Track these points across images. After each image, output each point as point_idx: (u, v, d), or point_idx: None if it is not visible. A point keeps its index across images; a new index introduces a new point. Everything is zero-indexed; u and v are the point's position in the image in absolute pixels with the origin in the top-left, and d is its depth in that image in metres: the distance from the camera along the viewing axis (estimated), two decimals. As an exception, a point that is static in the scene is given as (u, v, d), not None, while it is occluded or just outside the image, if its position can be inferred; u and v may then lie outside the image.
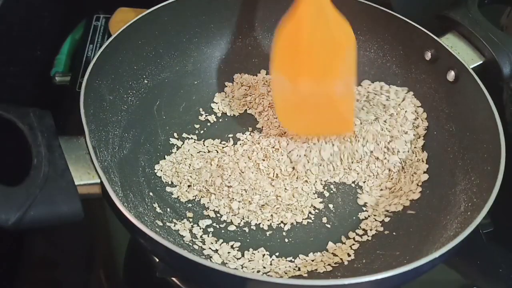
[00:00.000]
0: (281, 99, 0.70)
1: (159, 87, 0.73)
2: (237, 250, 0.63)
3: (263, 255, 0.63)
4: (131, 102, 0.69)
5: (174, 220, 0.64)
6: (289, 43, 0.68)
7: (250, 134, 0.74)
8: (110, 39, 0.66)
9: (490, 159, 0.61)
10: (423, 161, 0.70)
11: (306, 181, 0.69)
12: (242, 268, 0.61)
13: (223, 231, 0.65)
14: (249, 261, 0.62)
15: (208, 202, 0.67)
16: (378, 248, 0.63)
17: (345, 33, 0.68)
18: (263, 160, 0.70)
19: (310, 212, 0.67)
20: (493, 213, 0.56)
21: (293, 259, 0.63)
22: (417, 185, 0.68)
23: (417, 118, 0.73)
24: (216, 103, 0.77)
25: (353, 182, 0.70)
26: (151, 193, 0.66)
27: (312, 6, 0.67)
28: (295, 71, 0.68)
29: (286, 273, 0.61)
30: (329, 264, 0.62)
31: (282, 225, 0.66)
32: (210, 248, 0.62)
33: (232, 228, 0.65)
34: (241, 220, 0.66)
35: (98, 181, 0.54)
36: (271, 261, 0.62)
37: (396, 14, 0.74)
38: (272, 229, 0.66)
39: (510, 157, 0.60)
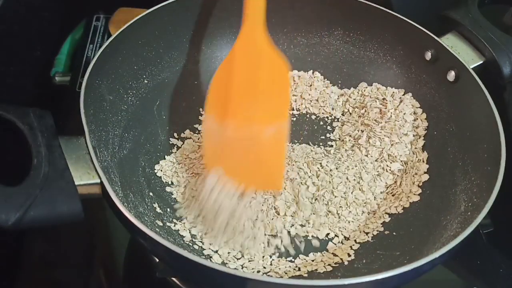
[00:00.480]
0: (210, 141, 0.66)
1: (159, 87, 0.73)
2: (237, 250, 0.63)
3: (263, 255, 0.63)
4: (131, 102, 0.69)
5: (174, 220, 0.64)
6: (222, 84, 0.66)
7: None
8: (110, 39, 0.66)
9: (491, 159, 0.61)
10: (423, 161, 0.70)
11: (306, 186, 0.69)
12: (242, 268, 0.61)
13: (223, 231, 0.65)
14: (249, 261, 0.62)
15: (208, 202, 0.67)
16: (378, 248, 0.63)
17: (280, 76, 0.66)
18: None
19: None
20: (493, 213, 0.56)
21: (293, 259, 0.63)
22: (418, 186, 0.68)
23: (417, 119, 0.73)
24: (216, 103, 0.77)
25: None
26: (151, 193, 0.66)
27: (248, 47, 0.66)
28: (226, 113, 0.64)
29: (286, 273, 0.61)
30: (329, 264, 0.62)
31: (282, 225, 0.66)
32: (210, 248, 0.62)
33: (232, 228, 0.65)
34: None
35: (98, 181, 0.54)
36: (271, 261, 0.62)
37: (397, 14, 0.74)
38: (272, 229, 0.66)
39: (511, 157, 0.60)
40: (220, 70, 0.67)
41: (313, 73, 0.79)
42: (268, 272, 0.61)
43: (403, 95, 0.75)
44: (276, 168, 0.64)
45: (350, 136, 0.73)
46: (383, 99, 0.75)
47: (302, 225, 0.65)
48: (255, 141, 0.64)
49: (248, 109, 0.64)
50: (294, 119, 0.76)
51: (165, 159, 0.70)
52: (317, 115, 0.77)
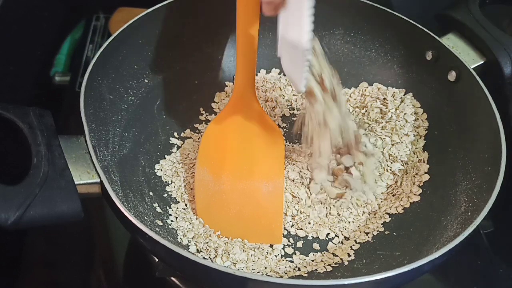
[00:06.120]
0: (203, 193, 0.65)
1: (160, 86, 0.73)
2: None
3: (264, 255, 0.63)
4: (131, 102, 0.69)
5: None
6: (215, 140, 0.67)
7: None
8: (110, 38, 0.66)
9: (491, 159, 0.61)
10: (424, 162, 0.70)
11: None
12: (242, 268, 0.61)
13: (223, 231, 0.65)
14: (251, 261, 0.62)
15: (208, 202, 0.67)
16: (379, 248, 0.63)
17: (274, 138, 0.68)
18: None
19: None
20: (493, 213, 0.56)
21: (293, 259, 0.63)
22: (418, 186, 0.68)
23: (417, 119, 0.73)
24: (217, 102, 0.77)
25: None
26: (151, 193, 0.66)
27: (241, 108, 0.67)
28: (220, 168, 0.66)
29: (286, 273, 0.61)
30: (329, 264, 0.62)
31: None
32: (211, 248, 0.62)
33: (232, 228, 0.65)
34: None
35: (98, 180, 0.54)
36: (271, 261, 0.62)
37: (397, 14, 0.74)
38: (272, 229, 0.65)
39: (511, 158, 0.60)
40: (212, 127, 0.68)
41: (313, 72, 0.79)
42: (268, 272, 0.61)
43: (404, 95, 0.75)
44: (274, 222, 0.65)
45: (350, 136, 0.73)
46: (384, 99, 0.75)
47: (302, 225, 0.65)
48: (251, 196, 0.65)
49: (244, 166, 0.66)
50: (295, 119, 0.76)
51: (165, 158, 0.70)
52: (318, 115, 0.77)
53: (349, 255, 0.63)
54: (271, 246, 0.64)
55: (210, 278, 0.53)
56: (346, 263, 0.62)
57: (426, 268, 0.52)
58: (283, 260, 0.62)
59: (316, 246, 0.64)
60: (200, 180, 0.66)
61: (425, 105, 0.74)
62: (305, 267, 0.62)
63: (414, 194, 0.68)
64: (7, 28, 0.80)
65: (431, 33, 0.71)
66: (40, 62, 0.87)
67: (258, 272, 0.60)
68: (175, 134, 0.73)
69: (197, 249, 0.61)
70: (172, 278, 0.66)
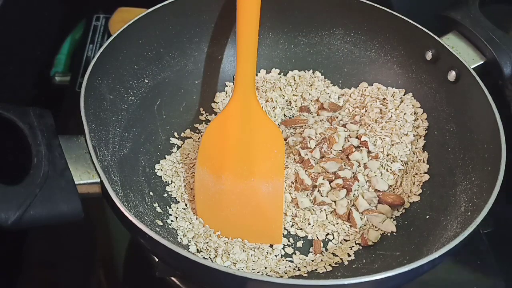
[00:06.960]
0: (203, 193, 0.65)
1: (160, 86, 0.73)
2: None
3: (264, 255, 0.63)
4: (131, 102, 0.69)
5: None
6: (215, 140, 0.67)
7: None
8: (111, 38, 0.66)
9: (491, 159, 0.61)
10: (424, 162, 0.70)
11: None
12: (242, 268, 0.61)
13: (223, 231, 0.65)
14: (251, 261, 0.62)
15: (208, 202, 0.67)
16: (378, 248, 0.63)
17: (274, 138, 0.68)
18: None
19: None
20: (493, 213, 0.56)
21: (293, 259, 0.63)
22: (418, 186, 0.68)
23: (417, 119, 0.73)
24: (217, 102, 0.77)
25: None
26: (151, 193, 0.66)
27: (241, 109, 0.68)
28: (220, 168, 0.66)
29: (286, 273, 0.61)
30: (329, 264, 0.62)
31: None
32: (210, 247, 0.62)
33: (232, 228, 0.65)
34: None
35: (98, 180, 0.54)
36: (271, 261, 0.62)
37: (397, 14, 0.73)
38: (272, 229, 0.65)
39: (511, 158, 0.60)
40: (212, 127, 0.68)
41: (313, 72, 0.79)
42: (268, 272, 0.61)
43: (404, 95, 0.75)
44: (274, 222, 0.65)
45: (350, 136, 0.73)
46: (384, 99, 0.75)
47: (302, 225, 0.65)
48: (252, 196, 0.65)
49: (244, 166, 0.66)
50: (295, 119, 0.76)
51: (165, 158, 0.70)
52: (318, 115, 0.77)
53: (349, 255, 0.63)
54: (271, 246, 0.64)
55: (210, 278, 0.53)
56: (346, 263, 0.62)
57: (426, 268, 0.52)
58: (283, 260, 0.63)
59: (316, 244, 0.64)
60: (200, 180, 0.66)
61: (425, 105, 0.73)
62: (305, 267, 0.62)
63: (414, 194, 0.68)
64: (7, 28, 0.79)
65: (431, 33, 0.71)
66: (40, 62, 0.87)
67: (258, 272, 0.61)
68: (175, 134, 0.73)
69: (197, 249, 0.61)
70: (172, 278, 0.66)
